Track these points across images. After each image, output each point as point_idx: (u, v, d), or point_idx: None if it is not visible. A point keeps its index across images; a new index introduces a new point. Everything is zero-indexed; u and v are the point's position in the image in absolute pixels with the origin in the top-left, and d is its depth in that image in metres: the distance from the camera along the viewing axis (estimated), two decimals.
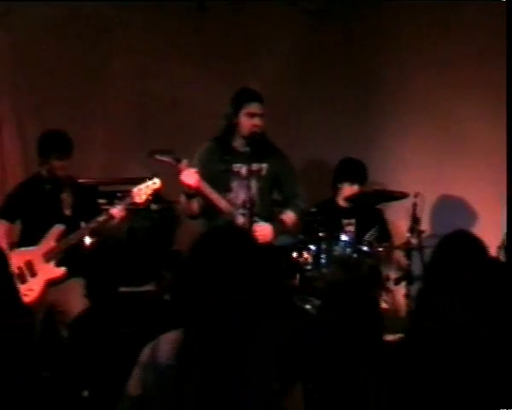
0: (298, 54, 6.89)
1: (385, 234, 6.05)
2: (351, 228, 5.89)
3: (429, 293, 2.72)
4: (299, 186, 5.43)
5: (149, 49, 6.82)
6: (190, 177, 5.01)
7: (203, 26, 6.81)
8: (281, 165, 5.34)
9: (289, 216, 5.33)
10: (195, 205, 5.15)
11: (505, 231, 5.42)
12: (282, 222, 5.29)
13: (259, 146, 5.18)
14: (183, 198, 5.18)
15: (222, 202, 5.13)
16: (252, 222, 5.01)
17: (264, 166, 5.26)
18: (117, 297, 4.95)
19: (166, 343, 2.38)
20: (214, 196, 5.11)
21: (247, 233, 3.12)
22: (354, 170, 6.09)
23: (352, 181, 6.04)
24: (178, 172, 5.02)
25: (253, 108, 5.18)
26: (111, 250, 5.60)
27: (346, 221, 5.94)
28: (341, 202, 6.11)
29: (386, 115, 6.78)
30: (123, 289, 3.31)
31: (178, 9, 6.78)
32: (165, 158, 5.08)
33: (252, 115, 5.17)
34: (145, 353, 2.42)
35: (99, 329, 3.27)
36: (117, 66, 6.86)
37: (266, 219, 5.19)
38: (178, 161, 5.03)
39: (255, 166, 5.22)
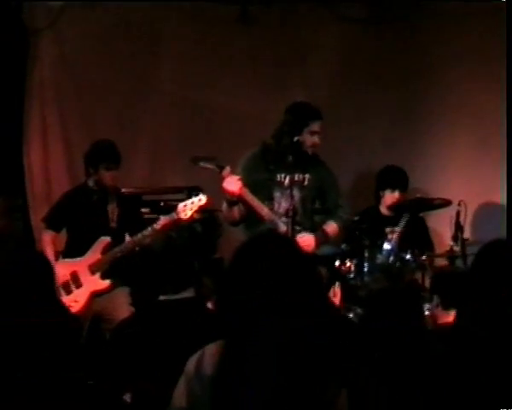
0: (344, 62, 6.86)
1: (427, 242, 6.01)
2: (393, 236, 5.85)
3: (470, 300, 2.71)
4: (342, 198, 5.43)
5: (196, 58, 6.85)
6: (233, 184, 5.01)
7: (250, 35, 6.82)
8: (324, 176, 5.33)
9: (332, 227, 5.31)
10: (236, 212, 5.15)
11: None
12: (324, 233, 5.27)
13: (302, 156, 5.18)
14: (224, 205, 5.19)
15: (264, 210, 5.13)
16: (294, 231, 5.00)
17: (307, 176, 5.26)
18: (156, 305, 4.99)
19: (211, 355, 2.34)
20: (256, 203, 5.12)
21: (291, 241, 3.10)
22: (395, 177, 6.08)
23: (393, 188, 6.04)
24: (221, 179, 5.04)
25: (317, 126, 5.18)
26: (150, 259, 5.60)
27: (388, 229, 5.91)
28: (384, 211, 6.09)
29: (430, 124, 6.74)
30: (162, 297, 3.32)
31: (225, 18, 6.81)
32: (208, 165, 5.10)
33: (313, 133, 5.18)
34: (190, 364, 2.38)
35: (140, 336, 3.28)
36: (163, 75, 6.91)
37: (308, 229, 5.19)
38: (221, 168, 5.04)
39: (298, 176, 5.22)
